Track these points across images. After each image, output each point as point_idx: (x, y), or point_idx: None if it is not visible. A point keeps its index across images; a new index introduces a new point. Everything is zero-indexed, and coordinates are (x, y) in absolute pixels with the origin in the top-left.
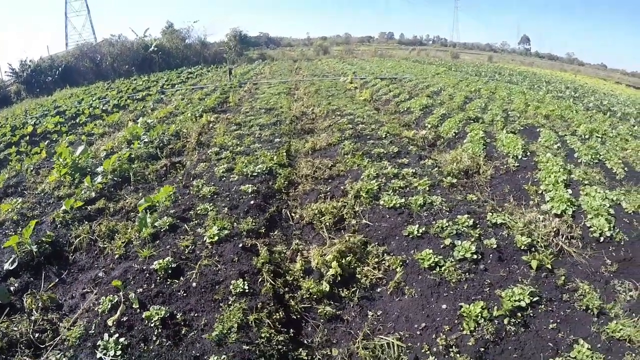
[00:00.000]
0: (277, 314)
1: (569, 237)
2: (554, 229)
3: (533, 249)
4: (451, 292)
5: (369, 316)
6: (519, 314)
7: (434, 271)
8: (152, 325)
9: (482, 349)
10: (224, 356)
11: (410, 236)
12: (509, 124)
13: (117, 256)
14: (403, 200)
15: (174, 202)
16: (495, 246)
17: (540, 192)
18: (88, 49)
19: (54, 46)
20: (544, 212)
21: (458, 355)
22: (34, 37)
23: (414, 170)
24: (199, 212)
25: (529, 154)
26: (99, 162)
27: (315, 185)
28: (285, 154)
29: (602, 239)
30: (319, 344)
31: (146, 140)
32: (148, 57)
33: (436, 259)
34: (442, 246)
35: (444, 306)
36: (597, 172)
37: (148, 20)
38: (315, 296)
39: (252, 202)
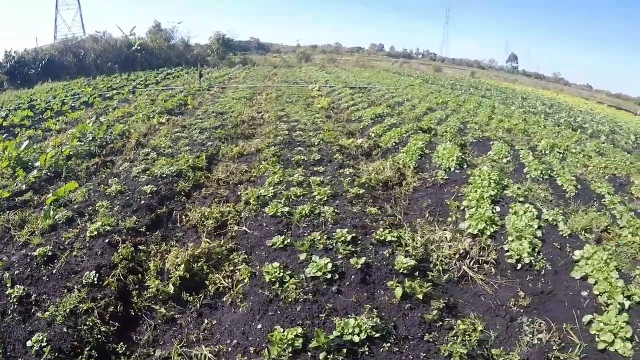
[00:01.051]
0: (115, 308)
1: (480, 261)
2: (462, 251)
3: (418, 273)
4: (279, 312)
5: (204, 324)
6: (345, 350)
7: (274, 287)
8: (11, 301)
9: None
10: (46, 334)
11: (273, 247)
12: (461, 135)
13: (20, 243)
14: (287, 209)
15: (85, 198)
16: (359, 266)
17: (462, 208)
18: (72, 44)
19: (43, 38)
20: (458, 231)
21: None
22: (23, 28)
23: (322, 179)
24: (97, 208)
25: (465, 166)
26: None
27: (217, 190)
28: (205, 157)
29: (519, 266)
30: (145, 342)
31: (90, 138)
32: (131, 55)
33: (281, 274)
34: (298, 261)
35: (259, 326)
36: (544, 189)
37: (137, 19)
38: (160, 297)
39: (143, 202)
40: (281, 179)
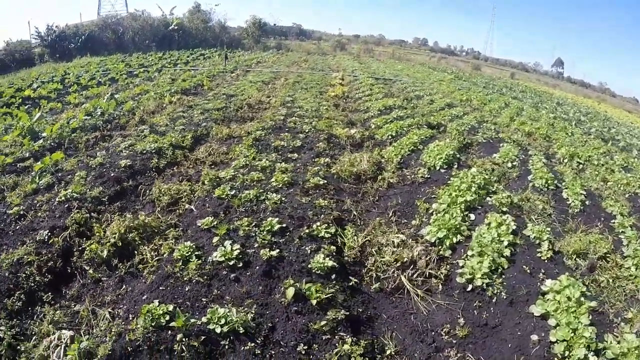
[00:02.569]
0: (54, 264)
1: (427, 274)
2: (406, 260)
3: (336, 277)
4: (168, 289)
5: (121, 289)
6: (203, 338)
7: (178, 264)
8: None
9: None
10: None
11: (201, 227)
12: (472, 134)
13: (7, 203)
14: (234, 192)
15: (73, 167)
16: (267, 258)
17: (431, 211)
18: (112, 21)
19: (87, 14)
20: (416, 236)
21: None
22: (69, 3)
23: (288, 166)
24: (75, 177)
25: (456, 166)
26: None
27: (188, 168)
28: (192, 137)
29: (469, 287)
30: (70, 297)
31: (99, 113)
32: (168, 34)
33: (188, 254)
34: (213, 243)
35: (145, 297)
36: (545, 201)
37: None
38: (95, 260)
39: (113, 174)
40: (248, 162)
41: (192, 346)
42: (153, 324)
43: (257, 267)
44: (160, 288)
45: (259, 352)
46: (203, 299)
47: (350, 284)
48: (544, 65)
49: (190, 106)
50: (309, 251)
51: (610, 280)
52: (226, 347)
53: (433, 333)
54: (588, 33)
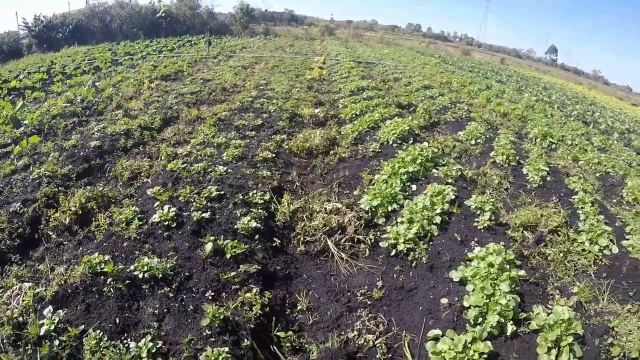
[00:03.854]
0: (24, 231)
1: (356, 240)
2: (335, 225)
3: (259, 237)
4: (111, 245)
5: (79, 250)
6: (128, 282)
7: (121, 225)
8: None
9: None
10: None
11: (150, 196)
12: (440, 114)
13: None
14: (185, 165)
15: (49, 150)
16: (197, 219)
17: (374, 182)
18: (99, 9)
19: (76, 2)
20: (351, 205)
21: None
22: None
23: (244, 142)
24: (49, 158)
25: (411, 141)
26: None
27: (152, 148)
28: (161, 119)
29: (393, 252)
30: (35, 258)
31: (79, 100)
32: (156, 22)
33: (131, 217)
34: (155, 208)
35: (90, 252)
36: (502, 176)
37: None
38: (59, 227)
39: (82, 154)
40: (206, 140)
41: (118, 288)
42: (90, 271)
43: (188, 227)
44: (104, 244)
45: (172, 295)
46: (137, 252)
47: (274, 244)
48: (537, 52)
49: (166, 91)
50: (239, 214)
51: (561, 254)
52: (146, 290)
53: (349, 294)
54: (585, 22)
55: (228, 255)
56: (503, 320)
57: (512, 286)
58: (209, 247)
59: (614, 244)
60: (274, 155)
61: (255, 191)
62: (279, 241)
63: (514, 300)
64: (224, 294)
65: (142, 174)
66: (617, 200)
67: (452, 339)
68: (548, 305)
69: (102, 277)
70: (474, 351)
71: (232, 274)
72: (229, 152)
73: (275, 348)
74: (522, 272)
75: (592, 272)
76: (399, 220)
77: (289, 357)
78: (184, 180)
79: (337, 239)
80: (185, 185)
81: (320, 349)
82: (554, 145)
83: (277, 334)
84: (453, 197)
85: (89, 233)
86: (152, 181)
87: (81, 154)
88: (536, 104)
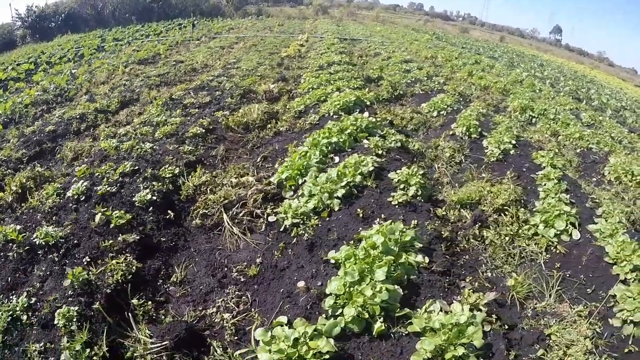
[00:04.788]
0: None
1: (254, 214)
2: (233, 199)
3: (154, 209)
4: (29, 216)
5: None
6: (27, 248)
7: (42, 200)
8: None
9: None
10: None
11: (76, 173)
12: (410, 87)
13: None
14: (116, 144)
15: (13, 135)
16: (102, 192)
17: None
18: None
19: None
20: (260, 179)
21: None
22: None
23: (178, 120)
24: (9, 144)
25: (357, 112)
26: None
27: (100, 130)
28: (120, 102)
29: (282, 228)
30: None
31: (52, 88)
32: (148, 6)
33: (52, 193)
34: (74, 180)
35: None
36: (457, 149)
37: None
38: (3, 205)
39: (35, 138)
40: (146, 119)
41: (19, 253)
42: (4, 239)
43: (93, 201)
44: (23, 217)
45: (58, 260)
46: (44, 223)
47: (168, 217)
48: (541, 32)
49: (137, 75)
50: (142, 188)
51: (506, 238)
52: (40, 255)
53: (226, 269)
54: (592, 3)
55: (112, 225)
56: (367, 315)
57: (398, 274)
58: (98, 217)
59: (575, 228)
60: (204, 131)
61: (167, 166)
62: (174, 214)
63: (395, 292)
64: (99, 260)
65: (84, 155)
66: (597, 179)
67: (286, 330)
68: (456, 300)
69: (10, 244)
70: (310, 348)
71: (110, 242)
72: (162, 129)
73: (129, 315)
74: (419, 258)
75: (543, 261)
76: (299, 192)
77: (142, 326)
78: (111, 157)
79: (235, 213)
80: (109, 162)
81: (171, 322)
82: (533, 119)
83: (133, 301)
84: (372, 168)
85: (25, 209)
86: (85, 160)
87: (35, 138)
88: (526, 79)
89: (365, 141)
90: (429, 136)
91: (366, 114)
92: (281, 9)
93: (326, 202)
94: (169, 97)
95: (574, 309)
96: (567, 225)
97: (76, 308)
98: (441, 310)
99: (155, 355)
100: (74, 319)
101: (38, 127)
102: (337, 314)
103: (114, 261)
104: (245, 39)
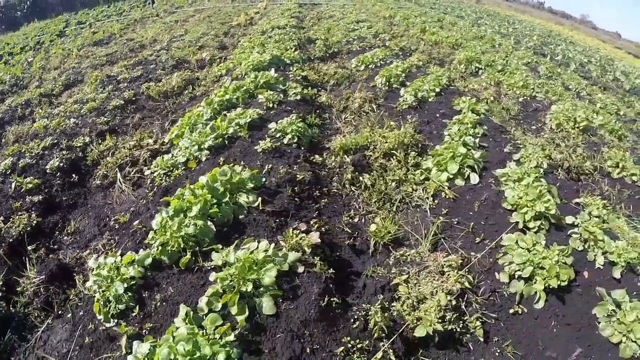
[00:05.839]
0: None
1: (143, 172)
2: (127, 160)
3: (61, 174)
4: None
5: None
6: None
7: None
8: None
9: None
10: None
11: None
12: (350, 44)
13: None
14: (45, 123)
15: None
16: (22, 166)
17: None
18: None
19: None
20: (157, 140)
21: None
22: None
23: (103, 95)
24: None
25: (272, 70)
26: None
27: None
28: (62, 84)
29: (153, 177)
30: None
31: (8, 79)
32: None
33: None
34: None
35: None
36: (369, 99)
37: None
38: None
39: None
40: (82, 97)
41: None
42: None
43: (15, 172)
44: None
45: None
46: None
47: (72, 180)
48: None
49: (87, 57)
50: (55, 157)
51: (393, 183)
52: None
53: (108, 219)
54: None
55: (22, 189)
56: (175, 248)
57: (214, 211)
58: (13, 184)
59: (475, 172)
60: (124, 102)
61: (81, 137)
62: (79, 177)
63: (205, 227)
64: (11, 218)
65: (23, 136)
66: (538, 127)
67: (109, 260)
68: (283, 240)
69: None
70: (119, 274)
71: (20, 203)
72: (88, 105)
73: (25, 259)
74: (250, 198)
75: (429, 207)
76: (175, 145)
77: (32, 267)
78: (40, 135)
79: (127, 172)
80: (37, 140)
81: (54, 263)
82: (480, 71)
83: (29, 248)
84: (249, 120)
85: None
86: (21, 140)
87: None
88: (488, 35)
89: (260, 97)
90: (353, 89)
91: (272, 72)
92: None
93: (195, 154)
94: (105, 75)
95: (447, 257)
96: (463, 169)
97: None
98: (257, 248)
99: (35, 287)
100: None
101: None
102: (155, 245)
103: (17, 217)
104: (203, 11)
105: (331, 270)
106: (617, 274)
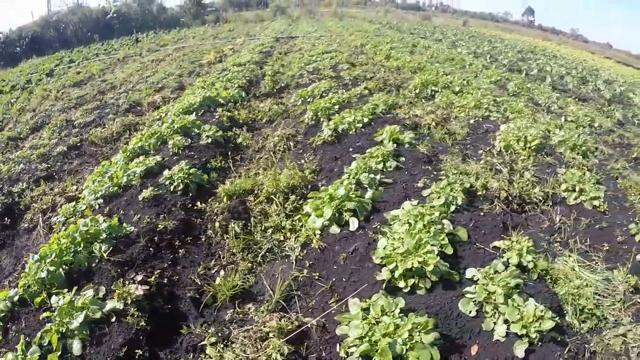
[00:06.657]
0: None
1: None
2: (49, 204)
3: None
4: None
5: None
6: None
7: None
8: None
9: None
10: None
11: None
12: (301, 77)
13: None
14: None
15: None
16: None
17: None
18: (53, 19)
19: (38, 12)
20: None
21: None
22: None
23: (57, 140)
24: None
25: (201, 112)
26: None
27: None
28: (29, 128)
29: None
30: None
31: None
32: (109, 23)
33: None
34: None
35: None
36: (287, 136)
37: None
38: None
39: None
40: (34, 144)
41: None
42: None
43: None
44: None
45: None
46: None
47: (4, 222)
48: (514, 15)
49: (62, 99)
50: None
51: (269, 230)
52: None
53: (24, 259)
54: None
55: None
56: None
57: (68, 259)
58: None
59: (355, 216)
60: (66, 149)
61: (20, 182)
62: (11, 220)
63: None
64: None
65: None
66: (486, 151)
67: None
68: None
69: None
70: None
71: None
72: (37, 152)
73: None
74: (102, 247)
75: (294, 258)
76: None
77: None
78: None
79: (48, 217)
80: None
81: None
82: (437, 94)
83: None
84: (143, 168)
85: None
86: None
87: None
88: (459, 56)
89: (170, 142)
90: (287, 126)
91: (192, 116)
92: (238, 14)
93: (91, 203)
94: (65, 120)
95: (279, 321)
96: (342, 214)
97: None
98: (93, 295)
99: None
100: None
101: None
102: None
103: None
104: (183, 49)
105: (143, 323)
106: (519, 351)
